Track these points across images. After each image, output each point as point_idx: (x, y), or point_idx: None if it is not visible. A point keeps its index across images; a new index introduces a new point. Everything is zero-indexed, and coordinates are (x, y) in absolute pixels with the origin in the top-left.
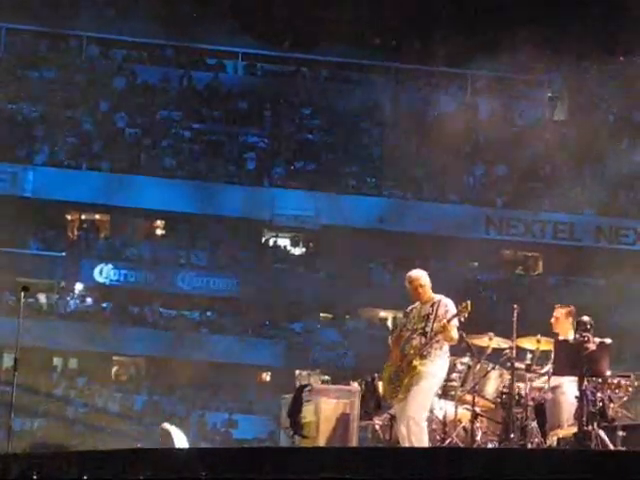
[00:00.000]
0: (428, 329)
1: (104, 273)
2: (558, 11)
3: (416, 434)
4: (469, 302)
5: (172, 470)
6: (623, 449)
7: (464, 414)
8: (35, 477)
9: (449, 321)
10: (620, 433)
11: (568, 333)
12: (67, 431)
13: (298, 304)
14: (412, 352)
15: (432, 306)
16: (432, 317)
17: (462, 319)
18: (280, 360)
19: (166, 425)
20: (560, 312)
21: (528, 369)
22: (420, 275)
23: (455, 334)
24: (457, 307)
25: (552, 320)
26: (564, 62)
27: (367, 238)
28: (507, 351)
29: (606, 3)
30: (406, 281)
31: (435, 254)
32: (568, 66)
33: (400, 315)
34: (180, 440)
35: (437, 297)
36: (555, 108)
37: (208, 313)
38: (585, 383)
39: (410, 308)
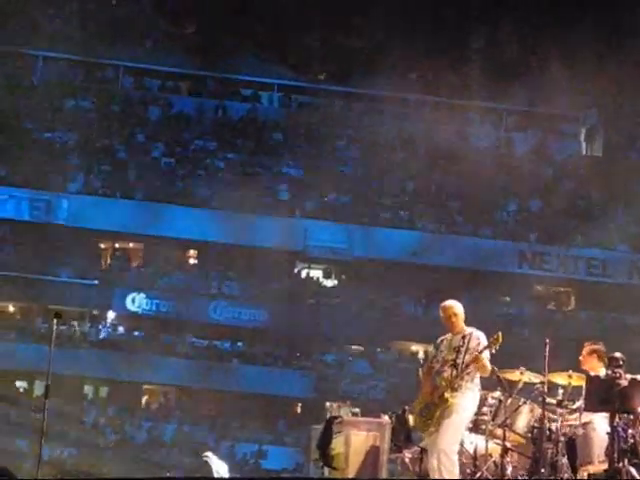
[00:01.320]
0: (459, 361)
1: (136, 302)
2: (593, 45)
3: (447, 467)
4: (500, 334)
5: None
6: None
7: (495, 448)
8: None
9: (481, 352)
10: None
11: (597, 369)
12: (97, 459)
13: (329, 336)
14: (444, 384)
15: (463, 338)
16: (463, 349)
17: (493, 351)
18: (310, 391)
19: (208, 455)
20: (585, 350)
21: (559, 404)
22: (454, 305)
23: (488, 365)
24: (488, 339)
25: (581, 358)
26: (600, 97)
27: (399, 271)
28: (538, 386)
29: None
30: (440, 310)
31: (467, 288)
32: (604, 101)
33: (431, 348)
34: (221, 470)
35: (469, 330)
36: (590, 144)
37: (239, 343)
38: (616, 419)
39: (440, 339)
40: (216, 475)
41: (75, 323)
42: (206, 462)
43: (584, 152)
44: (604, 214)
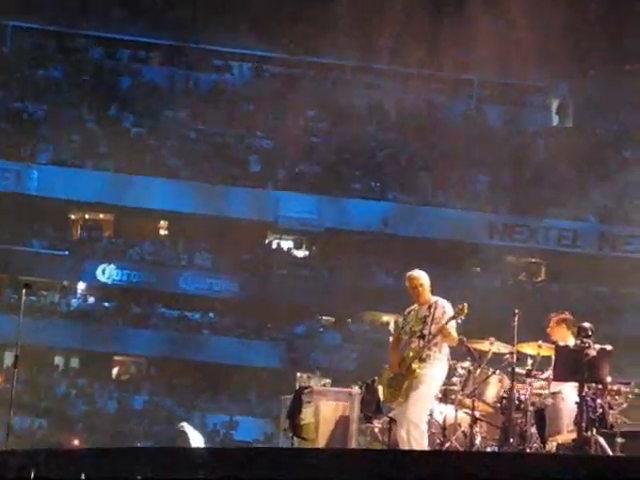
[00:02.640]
0: (426, 332)
1: (107, 273)
2: (563, 16)
3: (416, 437)
4: (465, 304)
5: (170, 470)
6: (622, 455)
7: (464, 418)
8: (33, 475)
9: (447, 323)
10: (619, 440)
11: (566, 339)
12: (67, 430)
13: (300, 307)
14: (411, 355)
15: (429, 308)
16: (430, 319)
17: (459, 321)
18: (281, 362)
19: (184, 425)
20: (552, 320)
21: (528, 374)
22: (421, 275)
23: (454, 334)
24: (454, 309)
25: (548, 330)
26: (570, 70)
27: (370, 242)
28: (508, 356)
29: (614, 12)
30: (406, 280)
31: (438, 259)
32: (574, 74)
33: (400, 319)
34: (196, 440)
35: (434, 299)
36: (561, 115)
37: (210, 314)
38: (585, 389)
39: (408, 310)
40: (192, 445)
41: (45, 294)
42: (182, 432)
43: (554, 124)
44: (574, 185)
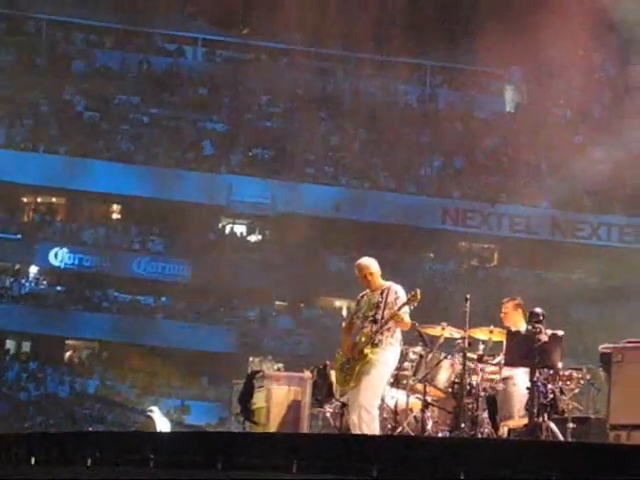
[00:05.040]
0: (378, 317)
1: (59, 257)
2: (518, 4)
3: (367, 422)
4: (418, 291)
5: (121, 453)
6: (573, 441)
7: (415, 403)
8: None
9: (399, 309)
10: (570, 425)
11: (519, 325)
12: (19, 414)
13: (253, 291)
14: (363, 340)
15: (382, 293)
16: (382, 304)
17: (412, 307)
18: (234, 347)
19: (153, 409)
20: (507, 306)
21: (480, 359)
22: (369, 263)
23: (407, 319)
24: (407, 295)
25: (502, 315)
26: (523, 54)
27: (323, 227)
28: (459, 341)
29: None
30: (355, 269)
31: (391, 244)
32: (526, 58)
33: (353, 304)
34: (163, 426)
35: (386, 284)
36: (514, 100)
37: (162, 298)
38: (537, 374)
39: (361, 295)
40: (159, 429)
41: None
42: (149, 417)
43: (507, 109)
44: (527, 171)
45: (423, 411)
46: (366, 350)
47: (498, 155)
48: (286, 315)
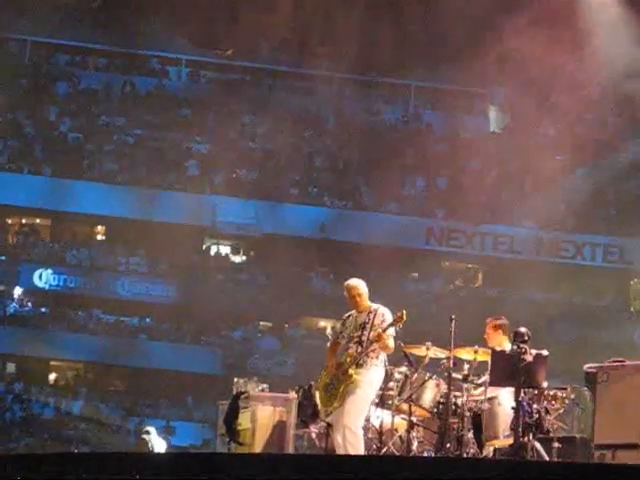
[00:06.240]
0: (364, 338)
1: (44, 278)
2: (496, 21)
3: (352, 443)
4: (404, 312)
5: (106, 474)
6: (558, 461)
7: (401, 423)
8: None
9: (385, 330)
10: (555, 445)
11: (503, 345)
12: (4, 435)
13: (237, 312)
14: (348, 360)
15: (369, 315)
16: (368, 326)
17: (398, 328)
18: (218, 368)
19: (149, 430)
20: (490, 325)
21: (465, 379)
22: (358, 284)
23: (391, 343)
24: (393, 317)
25: (485, 335)
26: (506, 74)
27: (308, 247)
28: (444, 361)
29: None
30: (344, 290)
31: (376, 264)
32: (510, 78)
33: (338, 324)
34: (158, 447)
35: (374, 306)
36: (498, 121)
37: (147, 319)
38: (522, 394)
39: (347, 315)
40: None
41: None
42: (143, 438)
43: (492, 129)
44: (511, 191)
45: (408, 431)
46: (350, 370)
47: (482, 175)
48: (270, 335)
